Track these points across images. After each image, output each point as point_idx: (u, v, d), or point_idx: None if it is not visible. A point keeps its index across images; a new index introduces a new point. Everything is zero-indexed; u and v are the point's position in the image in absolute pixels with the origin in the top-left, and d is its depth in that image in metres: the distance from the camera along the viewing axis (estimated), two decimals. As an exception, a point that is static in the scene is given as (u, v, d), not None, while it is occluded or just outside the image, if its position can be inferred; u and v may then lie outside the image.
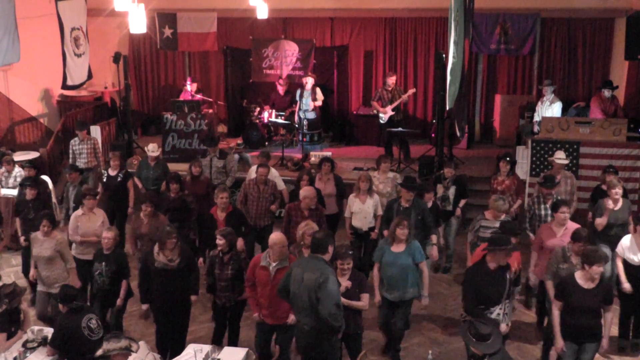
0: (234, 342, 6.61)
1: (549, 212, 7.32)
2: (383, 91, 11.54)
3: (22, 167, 9.20)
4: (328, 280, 5.15)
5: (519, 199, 8.58)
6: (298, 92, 11.92)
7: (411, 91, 11.60)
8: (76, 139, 10.25)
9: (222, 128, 13.58)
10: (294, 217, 7.44)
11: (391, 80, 11.46)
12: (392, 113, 11.42)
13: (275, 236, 5.94)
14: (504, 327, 5.78)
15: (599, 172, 8.88)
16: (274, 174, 8.95)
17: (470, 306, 5.79)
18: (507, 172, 8.55)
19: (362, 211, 7.93)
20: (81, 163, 10.01)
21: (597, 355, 5.88)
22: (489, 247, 5.78)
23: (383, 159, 8.74)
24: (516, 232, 6.70)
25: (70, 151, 10.28)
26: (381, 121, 11.55)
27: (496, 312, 5.73)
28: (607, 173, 8.06)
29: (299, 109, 11.79)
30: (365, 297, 5.73)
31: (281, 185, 8.95)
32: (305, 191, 7.48)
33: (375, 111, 11.86)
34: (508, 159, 8.61)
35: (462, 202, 8.75)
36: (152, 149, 9.54)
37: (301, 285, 5.27)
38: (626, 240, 6.68)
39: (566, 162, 8.56)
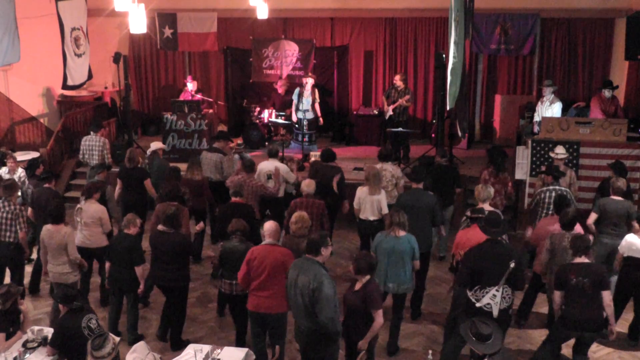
0: (241, 336, 6.78)
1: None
2: (392, 90, 11.58)
3: (31, 165, 9.31)
4: (323, 285, 5.12)
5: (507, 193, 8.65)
6: (296, 91, 11.90)
7: (403, 100, 11.45)
8: (88, 136, 10.40)
9: (222, 128, 13.58)
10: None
11: (395, 79, 11.53)
12: (392, 113, 11.45)
13: (269, 224, 6.17)
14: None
15: (599, 172, 8.89)
16: (284, 169, 9.09)
17: (461, 280, 5.90)
18: (493, 174, 8.55)
19: (370, 203, 8.00)
20: (93, 160, 10.27)
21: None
22: (481, 225, 5.88)
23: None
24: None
25: (81, 148, 10.47)
26: (385, 117, 11.63)
27: (492, 292, 5.71)
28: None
29: (298, 109, 11.78)
30: (379, 313, 5.45)
31: (292, 178, 9.14)
32: (304, 183, 7.88)
33: (376, 111, 11.80)
34: (490, 167, 8.64)
35: (458, 191, 9.00)
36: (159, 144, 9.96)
37: (296, 288, 5.27)
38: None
39: (564, 156, 8.57)
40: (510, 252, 5.79)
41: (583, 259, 5.82)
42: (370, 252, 6.09)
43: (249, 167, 8.59)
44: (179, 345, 6.79)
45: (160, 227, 6.85)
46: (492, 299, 5.71)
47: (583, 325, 5.78)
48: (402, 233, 6.39)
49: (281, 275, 5.73)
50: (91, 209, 7.63)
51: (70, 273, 7.03)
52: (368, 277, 5.43)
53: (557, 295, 5.85)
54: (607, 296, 5.74)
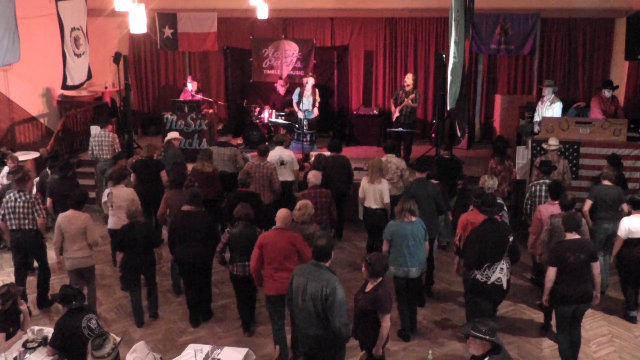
0: (251, 313, 7.29)
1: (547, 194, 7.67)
2: (400, 90, 11.62)
3: (53, 157, 9.62)
4: (336, 291, 5.07)
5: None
6: (297, 91, 11.91)
7: (408, 99, 11.50)
8: (96, 132, 10.63)
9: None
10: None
11: (405, 79, 11.62)
12: (398, 114, 11.43)
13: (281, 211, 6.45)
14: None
15: (600, 172, 8.89)
16: (290, 155, 9.50)
17: (471, 262, 6.26)
18: (499, 162, 9.03)
19: (372, 192, 8.43)
20: (104, 155, 10.51)
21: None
22: (477, 206, 6.41)
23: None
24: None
25: (90, 145, 10.70)
26: (392, 120, 11.68)
27: (499, 267, 6.18)
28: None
29: (299, 108, 11.79)
30: (386, 318, 5.36)
31: (295, 165, 9.60)
32: (310, 174, 8.26)
33: (376, 111, 11.79)
34: (496, 156, 9.11)
35: (460, 182, 9.42)
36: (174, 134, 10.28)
37: (305, 295, 5.18)
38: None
39: (557, 147, 8.78)
40: (507, 228, 6.43)
41: (574, 235, 6.13)
42: (378, 252, 6.49)
43: (263, 151, 8.93)
44: (211, 314, 7.59)
45: (185, 207, 7.19)
46: (501, 272, 6.18)
47: (579, 298, 6.10)
48: (413, 218, 6.76)
49: (294, 256, 6.12)
50: (122, 192, 8.02)
51: (89, 257, 7.28)
52: (380, 279, 5.42)
53: (552, 271, 6.10)
54: (596, 268, 6.15)
